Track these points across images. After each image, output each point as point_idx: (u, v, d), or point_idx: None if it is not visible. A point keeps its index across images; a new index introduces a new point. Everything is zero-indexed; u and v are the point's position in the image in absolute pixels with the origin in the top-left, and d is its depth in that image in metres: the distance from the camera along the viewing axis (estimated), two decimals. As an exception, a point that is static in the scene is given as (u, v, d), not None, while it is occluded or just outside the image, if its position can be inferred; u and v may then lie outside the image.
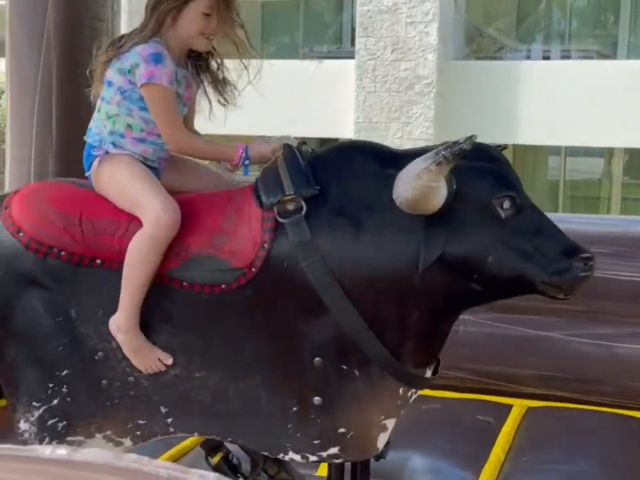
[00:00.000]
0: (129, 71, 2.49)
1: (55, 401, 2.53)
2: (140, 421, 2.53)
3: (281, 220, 2.35)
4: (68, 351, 2.51)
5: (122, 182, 2.51)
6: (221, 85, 2.66)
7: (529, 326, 3.80)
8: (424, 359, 2.47)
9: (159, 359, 2.46)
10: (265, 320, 2.41)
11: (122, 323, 2.43)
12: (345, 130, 10.83)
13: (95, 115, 2.61)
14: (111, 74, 2.54)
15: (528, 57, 13.28)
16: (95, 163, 2.54)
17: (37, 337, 2.52)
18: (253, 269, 2.36)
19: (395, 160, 2.39)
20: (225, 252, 2.39)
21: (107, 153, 2.53)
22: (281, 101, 9.95)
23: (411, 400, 2.50)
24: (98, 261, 2.46)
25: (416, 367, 2.45)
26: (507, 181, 2.34)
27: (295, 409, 2.43)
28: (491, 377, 3.80)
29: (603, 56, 13.07)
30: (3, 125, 7.01)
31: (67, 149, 4.23)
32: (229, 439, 2.55)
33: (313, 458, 2.46)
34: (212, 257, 2.41)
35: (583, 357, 3.74)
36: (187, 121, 2.68)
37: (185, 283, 2.43)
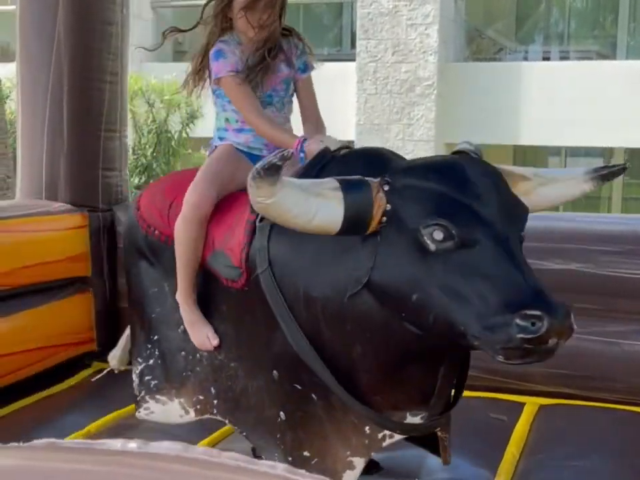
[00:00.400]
0: (210, 73, 2.78)
1: (151, 361, 2.89)
2: (200, 396, 2.74)
3: (258, 224, 2.33)
4: (160, 319, 2.83)
5: (202, 169, 2.74)
6: (291, 61, 2.82)
7: (539, 325, 3.82)
8: (399, 403, 2.27)
9: (208, 337, 2.62)
10: (252, 323, 2.45)
11: (178, 297, 2.68)
12: (347, 132, 10.85)
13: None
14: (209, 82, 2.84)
15: (528, 58, 13.31)
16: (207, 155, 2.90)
17: (143, 302, 2.90)
18: (242, 270, 2.42)
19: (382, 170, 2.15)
20: (228, 249, 2.50)
21: (216, 147, 2.83)
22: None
23: (385, 443, 2.34)
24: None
25: (392, 409, 2.27)
26: (449, 208, 1.95)
27: (279, 420, 2.39)
28: (503, 375, 3.81)
29: (602, 56, 13.10)
30: (12, 129, 7.01)
31: (78, 151, 4.26)
32: (244, 434, 2.62)
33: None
34: (223, 252, 2.52)
35: (594, 354, 3.76)
36: (305, 109, 2.88)
37: (214, 273, 2.59)
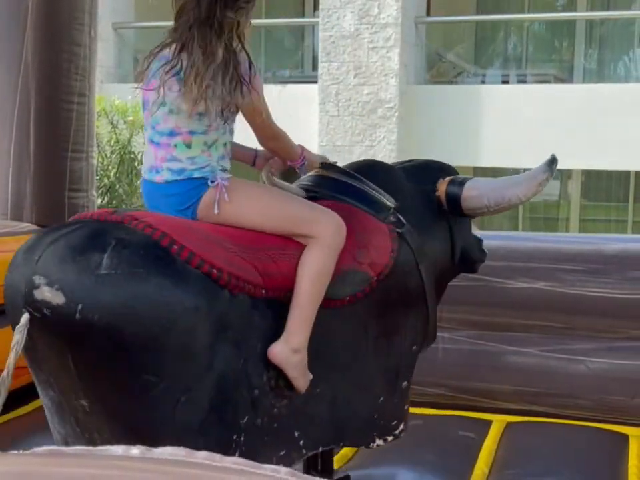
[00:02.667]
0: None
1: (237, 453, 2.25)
2: (281, 453, 2.40)
3: (399, 230, 2.65)
4: (246, 393, 2.28)
5: (271, 203, 2.42)
6: None
7: (505, 342, 3.87)
8: None
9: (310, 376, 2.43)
10: (377, 323, 2.61)
11: (301, 344, 2.33)
12: (309, 154, 10.89)
13: (180, 154, 2.40)
14: (201, 106, 2.35)
15: (486, 81, 13.47)
16: (211, 194, 2.37)
17: (223, 383, 2.22)
18: (379, 277, 2.56)
19: (409, 175, 2.86)
20: (365, 264, 2.53)
21: (223, 180, 2.39)
22: (245, 124, 9.98)
23: None
24: (263, 291, 2.31)
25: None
26: None
27: (381, 399, 2.67)
28: (471, 394, 3.86)
29: (559, 80, 13.30)
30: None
31: (45, 171, 4.23)
32: (338, 445, 2.71)
33: (389, 438, 2.71)
34: (355, 270, 2.51)
35: (559, 372, 3.82)
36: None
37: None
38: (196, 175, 2.39)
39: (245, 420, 2.25)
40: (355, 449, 3.27)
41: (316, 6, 13.27)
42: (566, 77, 13.76)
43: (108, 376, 2.08)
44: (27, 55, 4.10)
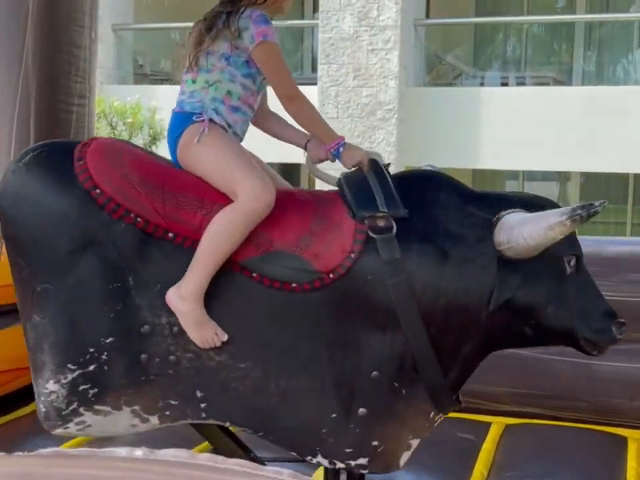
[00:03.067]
0: (238, 35, 2.53)
1: (92, 367, 2.47)
2: (172, 401, 2.50)
3: (372, 235, 2.42)
4: (116, 319, 2.46)
5: (220, 155, 2.50)
6: None
7: (505, 345, 3.87)
8: (456, 389, 2.61)
9: (216, 334, 2.44)
10: (331, 326, 2.46)
11: (190, 293, 2.40)
12: (308, 155, 10.90)
13: (186, 87, 2.61)
14: (210, 45, 2.57)
15: (485, 84, 13.50)
16: (193, 129, 2.52)
17: (89, 298, 2.46)
18: (332, 275, 2.41)
19: (473, 198, 2.55)
20: (309, 253, 2.42)
21: (211, 120, 2.53)
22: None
23: (435, 424, 2.64)
24: (170, 235, 2.44)
25: (451, 395, 2.58)
26: (576, 241, 2.55)
27: (334, 415, 2.48)
28: (469, 396, 3.84)
29: (558, 82, 13.33)
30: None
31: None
32: (260, 434, 2.54)
33: (340, 465, 2.51)
34: (294, 255, 2.43)
35: (558, 374, 3.82)
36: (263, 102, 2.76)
37: (255, 274, 2.44)
38: (187, 108, 2.56)
39: (108, 340, 2.45)
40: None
41: (315, 8, 13.30)
42: (565, 79, 13.79)
43: (7, 251, 2.55)
44: (27, 56, 4.10)
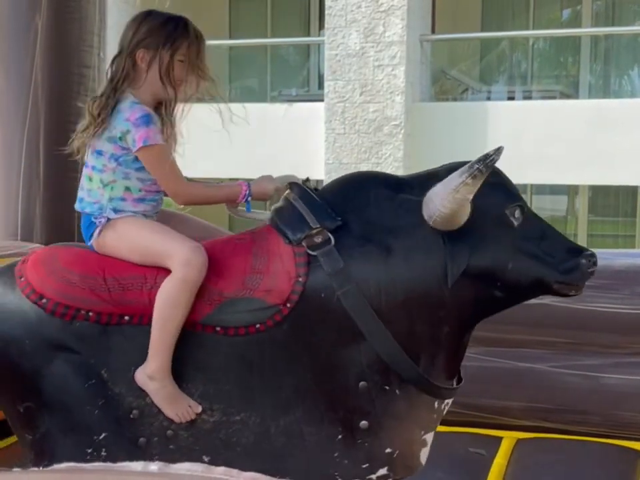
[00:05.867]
0: (120, 138, 2.52)
1: (96, 464, 2.39)
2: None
3: (312, 253, 2.42)
4: (103, 414, 2.45)
5: (136, 239, 2.53)
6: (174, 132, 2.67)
7: (516, 359, 3.87)
8: (451, 371, 2.59)
9: (190, 406, 2.42)
10: (305, 352, 2.45)
11: (155, 371, 2.41)
12: (316, 171, 10.91)
13: (85, 183, 2.63)
14: (99, 144, 2.57)
15: (492, 98, 13.50)
16: (97, 232, 2.57)
17: (70, 403, 2.47)
18: (288, 304, 2.41)
19: (403, 185, 2.53)
20: (260, 291, 2.42)
21: (109, 219, 2.56)
22: (251, 143, 10.03)
23: (445, 411, 2.63)
24: (127, 318, 2.47)
25: (446, 380, 2.56)
26: (515, 191, 2.53)
27: (340, 436, 2.47)
28: (481, 410, 3.85)
29: (565, 96, 13.32)
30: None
31: (54, 192, 4.26)
32: (278, 476, 2.47)
33: None
34: (246, 298, 2.43)
35: (569, 388, 3.81)
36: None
37: (218, 328, 2.44)
38: (87, 209, 2.61)
39: (101, 436, 2.41)
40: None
41: (321, 25, 13.36)
42: (572, 92, 13.78)
43: None
44: (36, 76, 4.13)
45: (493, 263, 2.43)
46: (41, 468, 0.87)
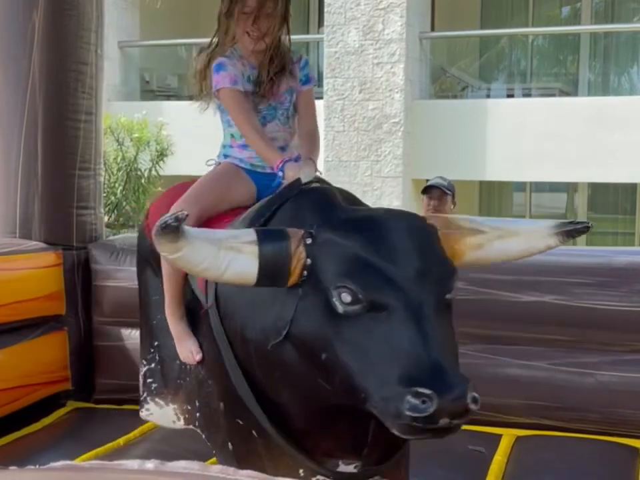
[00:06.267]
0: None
1: (153, 364, 3.01)
2: (188, 406, 2.83)
3: None
4: (160, 326, 2.87)
5: (196, 182, 2.77)
6: (294, 73, 2.84)
7: (514, 356, 3.86)
8: (331, 450, 2.24)
9: (192, 351, 2.65)
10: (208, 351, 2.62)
11: (166, 309, 2.74)
12: (315, 169, 10.89)
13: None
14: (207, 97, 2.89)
15: (491, 95, 13.49)
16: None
17: (147, 308, 3.02)
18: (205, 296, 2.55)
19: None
20: None
21: (219, 164, 2.84)
22: (251, 141, 9.98)
23: None
24: None
25: (324, 455, 2.24)
26: (359, 269, 1.92)
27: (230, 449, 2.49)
28: (480, 408, 3.83)
29: (564, 93, 13.30)
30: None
31: (53, 189, 4.26)
32: (215, 453, 2.68)
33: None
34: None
35: (568, 385, 3.80)
36: (302, 122, 2.85)
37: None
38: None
39: (155, 343, 3.01)
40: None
41: (320, 22, 13.32)
42: (571, 90, 13.76)
43: None
44: (34, 73, 4.13)
45: (310, 343, 1.98)
46: (37, 466, 0.86)
